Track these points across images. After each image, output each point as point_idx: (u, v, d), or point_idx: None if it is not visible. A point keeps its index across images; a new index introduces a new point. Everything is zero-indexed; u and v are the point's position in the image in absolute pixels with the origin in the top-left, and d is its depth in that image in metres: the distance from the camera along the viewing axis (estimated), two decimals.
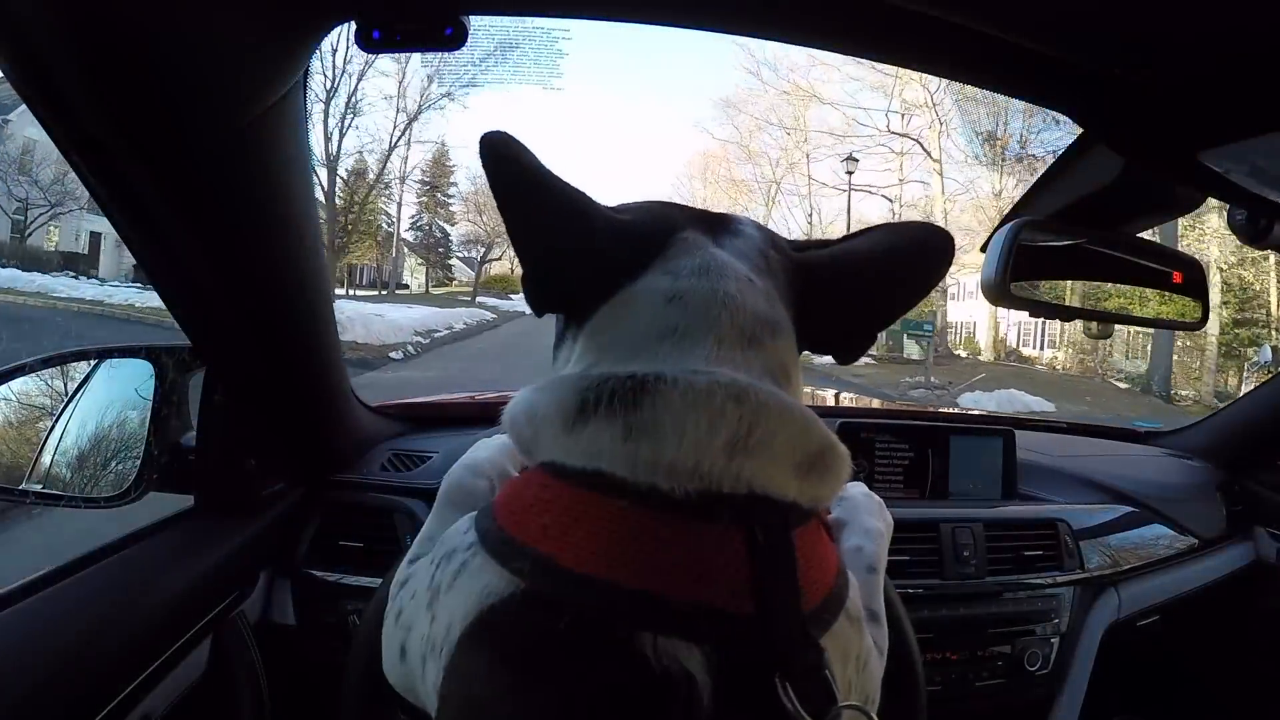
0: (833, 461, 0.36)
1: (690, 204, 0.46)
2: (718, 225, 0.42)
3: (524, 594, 0.31)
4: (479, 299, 19.79)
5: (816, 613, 0.34)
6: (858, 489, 0.55)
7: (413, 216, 23.49)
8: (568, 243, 0.38)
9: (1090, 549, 1.05)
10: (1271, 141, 0.48)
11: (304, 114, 0.61)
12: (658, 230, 0.40)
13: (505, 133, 0.35)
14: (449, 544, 0.37)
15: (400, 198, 21.45)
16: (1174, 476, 1.29)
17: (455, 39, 0.51)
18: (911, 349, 13.46)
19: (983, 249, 0.66)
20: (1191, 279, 0.72)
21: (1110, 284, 0.73)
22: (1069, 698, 0.99)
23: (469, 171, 21.93)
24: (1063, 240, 0.68)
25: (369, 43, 0.51)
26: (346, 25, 0.52)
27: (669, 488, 0.31)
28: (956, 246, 0.43)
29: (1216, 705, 1.31)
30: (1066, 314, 0.72)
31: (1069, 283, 0.72)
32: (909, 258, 0.42)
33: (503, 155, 0.35)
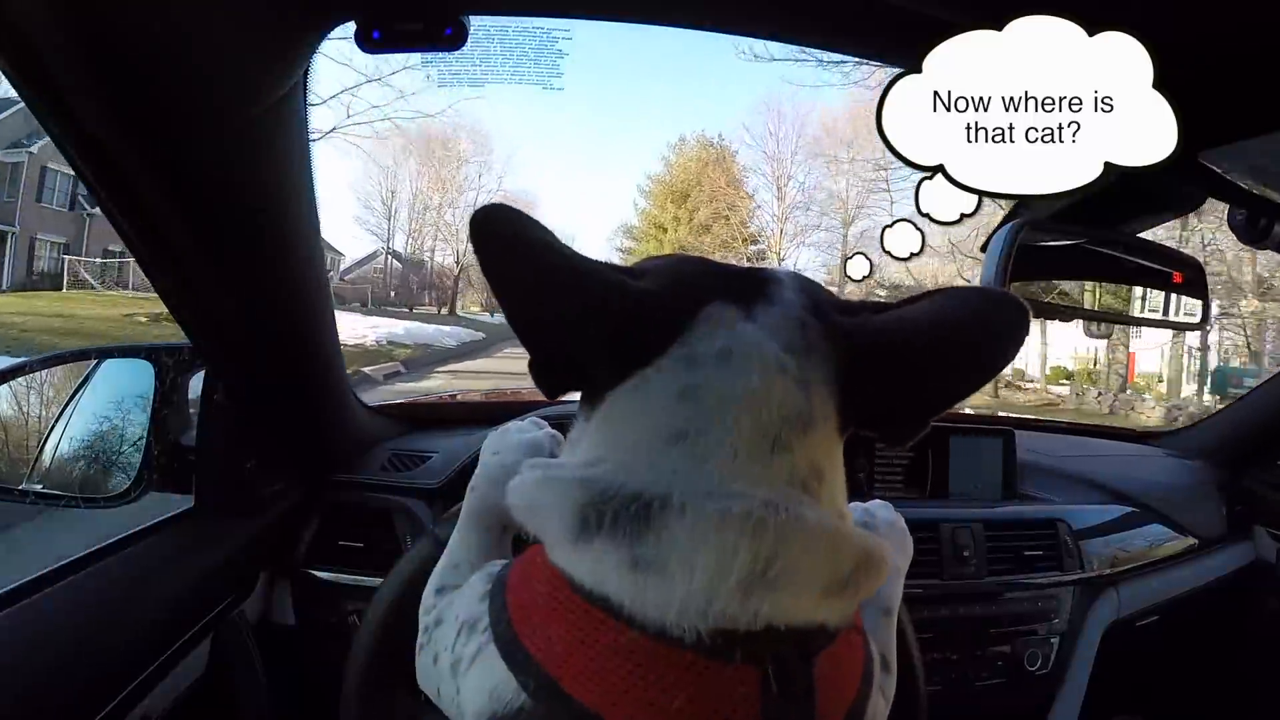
0: (869, 572, 0.32)
1: None
2: (752, 289, 0.35)
3: (529, 716, 0.30)
4: None
5: None
6: (883, 514, 0.51)
7: None
8: (576, 327, 0.33)
9: (1090, 549, 1.05)
10: (1271, 141, 0.48)
11: (304, 113, 0.61)
12: (680, 305, 0.34)
13: (500, 205, 0.32)
14: (470, 611, 0.36)
15: None
16: (1174, 476, 1.29)
17: (455, 39, 0.52)
18: None
19: (982, 249, 0.66)
20: (1191, 279, 0.72)
21: (1110, 284, 0.74)
22: (1069, 697, 0.99)
23: None
24: (1063, 240, 0.68)
25: (369, 43, 0.51)
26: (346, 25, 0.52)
27: (679, 631, 0.29)
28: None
29: (1216, 705, 1.31)
30: (1066, 314, 0.73)
31: (1069, 283, 0.72)
32: (970, 334, 0.35)
33: (491, 232, 0.31)
